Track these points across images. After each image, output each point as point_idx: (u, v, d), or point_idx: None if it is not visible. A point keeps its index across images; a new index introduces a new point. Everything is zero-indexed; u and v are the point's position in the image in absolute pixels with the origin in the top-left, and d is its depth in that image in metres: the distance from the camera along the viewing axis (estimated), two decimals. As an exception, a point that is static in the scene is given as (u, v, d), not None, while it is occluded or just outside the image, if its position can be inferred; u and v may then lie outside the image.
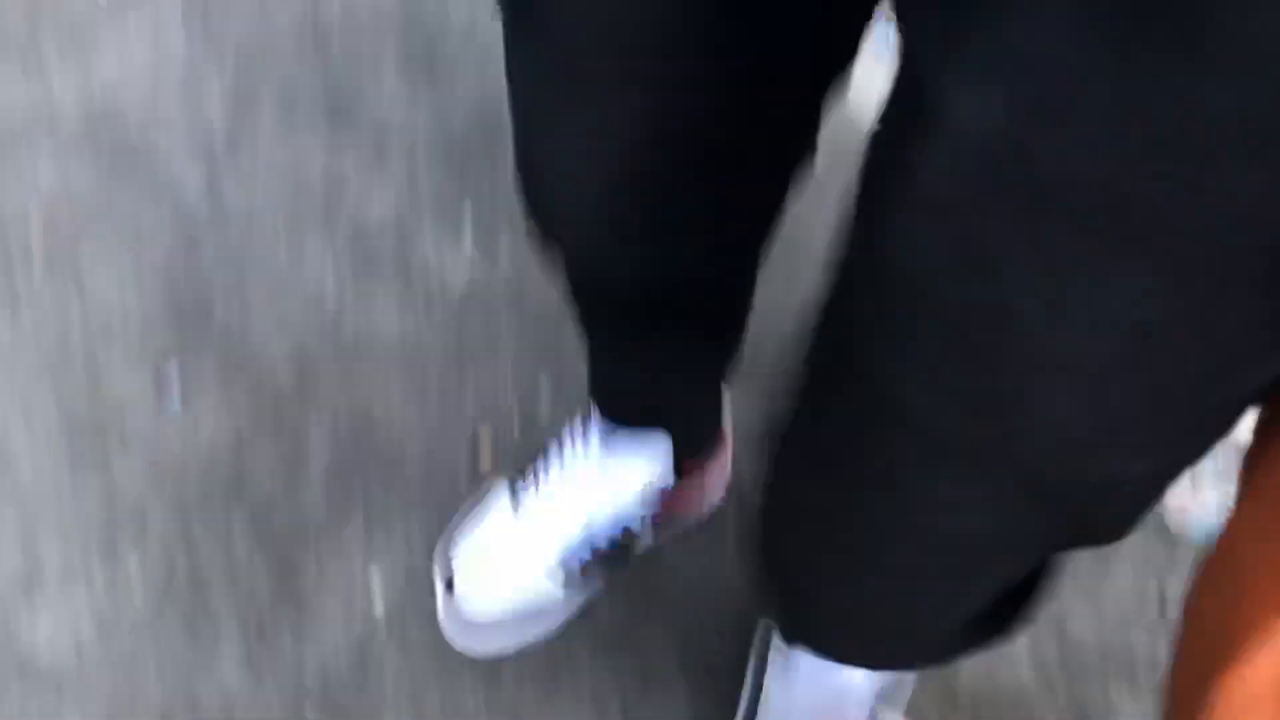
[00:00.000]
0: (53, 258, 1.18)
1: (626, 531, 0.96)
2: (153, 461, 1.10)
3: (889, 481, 0.57)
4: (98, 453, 1.10)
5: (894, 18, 0.46)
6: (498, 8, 0.58)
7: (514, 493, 1.00)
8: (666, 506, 0.98)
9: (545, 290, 1.12)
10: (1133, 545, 1.01)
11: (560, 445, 0.98)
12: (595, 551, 0.97)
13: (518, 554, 0.97)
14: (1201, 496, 1.10)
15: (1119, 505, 0.56)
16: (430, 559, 1.04)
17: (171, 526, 1.07)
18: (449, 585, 0.99)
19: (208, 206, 1.21)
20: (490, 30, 1.21)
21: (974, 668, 1.01)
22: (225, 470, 1.10)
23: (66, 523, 1.07)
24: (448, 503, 1.08)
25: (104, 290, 1.17)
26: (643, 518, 0.96)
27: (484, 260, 1.20)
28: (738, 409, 1.06)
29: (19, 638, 1.03)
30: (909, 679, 0.98)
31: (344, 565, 1.06)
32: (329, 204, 1.22)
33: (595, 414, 0.96)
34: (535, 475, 0.99)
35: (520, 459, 1.08)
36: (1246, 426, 0.50)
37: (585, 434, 0.97)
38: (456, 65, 1.29)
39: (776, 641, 0.96)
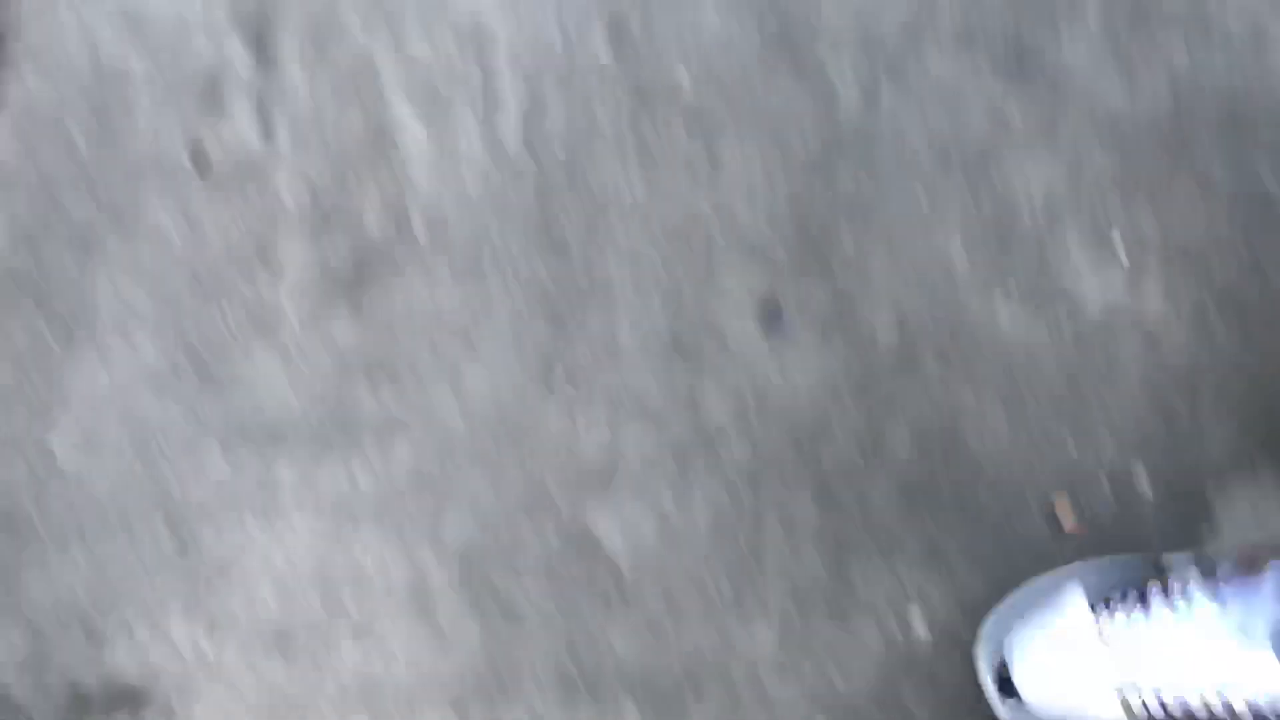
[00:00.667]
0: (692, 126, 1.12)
1: (1249, 707, 0.88)
2: (740, 385, 1.07)
3: None
4: (693, 358, 1.08)
5: None
6: None
7: (1096, 609, 0.93)
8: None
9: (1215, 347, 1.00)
10: None
11: (1174, 580, 0.90)
12: (1186, 707, 0.90)
13: (1088, 676, 0.92)
14: None
15: None
16: (979, 623, 1.00)
17: (741, 456, 1.06)
18: (1000, 673, 0.95)
19: (859, 115, 1.11)
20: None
21: None
22: (809, 419, 1.06)
23: (650, 423, 1.07)
24: (1015, 555, 1.02)
25: (732, 178, 1.11)
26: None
27: (1132, 282, 1.07)
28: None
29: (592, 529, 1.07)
30: None
31: (888, 585, 1.04)
32: (984, 154, 1.09)
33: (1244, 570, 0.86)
34: (1128, 601, 0.91)
35: (1107, 534, 1.01)
36: None
37: (1212, 577, 0.88)
38: (1172, 28, 1.11)
39: None
